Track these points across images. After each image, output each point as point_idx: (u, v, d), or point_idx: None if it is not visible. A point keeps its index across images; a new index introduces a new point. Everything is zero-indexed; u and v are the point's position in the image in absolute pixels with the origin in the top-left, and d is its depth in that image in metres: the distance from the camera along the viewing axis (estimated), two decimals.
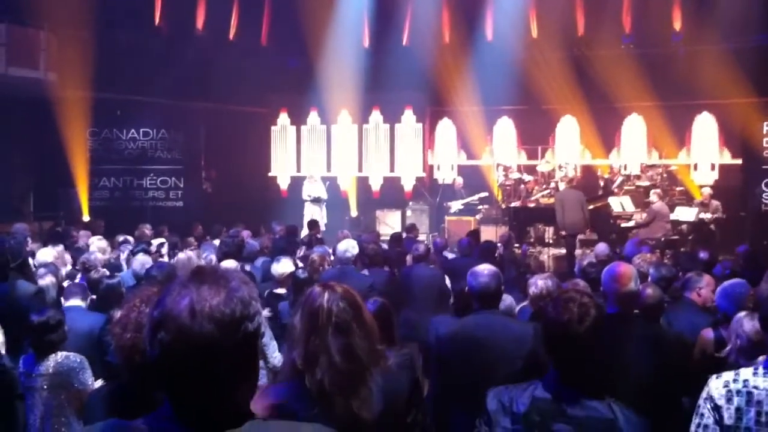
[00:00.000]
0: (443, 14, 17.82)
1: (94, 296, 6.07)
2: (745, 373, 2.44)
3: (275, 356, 5.54)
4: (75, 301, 5.65)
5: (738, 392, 2.39)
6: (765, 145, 15.22)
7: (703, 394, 2.49)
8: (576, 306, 2.68)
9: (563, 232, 13.22)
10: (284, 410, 2.58)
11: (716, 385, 2.46)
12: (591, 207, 14.00)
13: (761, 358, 3.70)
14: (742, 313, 4.15)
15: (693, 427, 2.50)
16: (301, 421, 2.20)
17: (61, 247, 8.54)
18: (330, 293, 2.65)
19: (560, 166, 16.50)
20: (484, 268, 4.34)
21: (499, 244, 10.41)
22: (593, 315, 2.67)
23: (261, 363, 5.57)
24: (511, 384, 2.81)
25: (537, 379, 2.77)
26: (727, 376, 2.46)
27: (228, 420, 1.57)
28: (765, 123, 15.20)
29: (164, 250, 9.12)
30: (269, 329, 5.68)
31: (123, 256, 8.97)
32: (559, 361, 2.71)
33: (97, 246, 8.98)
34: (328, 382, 2.52)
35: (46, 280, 6.27)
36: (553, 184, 15.82)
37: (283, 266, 6.86)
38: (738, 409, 2.37)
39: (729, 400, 2.40)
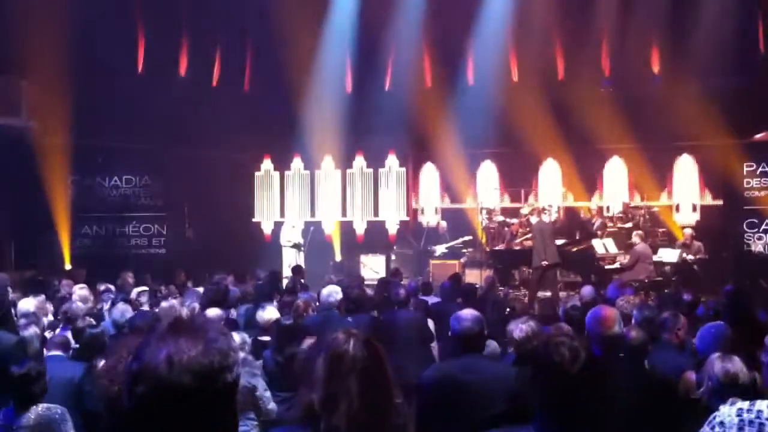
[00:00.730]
0: (424, 59, 18.02)
1: (77, 345, 6.01)
2: (760, 404, 2.43)
3: (270, 407, 5.52)
4: (56, 352, 5.60)
5: (750, 422, 2.39)
6: (746, 186, 15.35)
7: (713, 419, 2.47)
8: (567, 349, 2.69)
9: (545, 263, 13.34)
10: None
11: (729, 412, 2.45)
12: (575, 249, 14.08)
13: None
14: (715, 355, 4.18)
15: None
16: None
17: (42, 297, 8.47)
18: (355, 341, 2.64)
19: (543, 209, 16.57)
20: (467, 312, 4.39)
21: (478, 286, 10.43)
22: (583, 357, 2.69)
23: (252, 415, 5.53)
24: (498, 427, 2.82)
25: (527, 422, 2.76)
26: (741, 404, 2.46)
27: None
28: (745, 164, 15.35)
29: (143, 298, 9.05)
30: (262, 380, 5.64)
31: (106, 306, 8.89)
32: (551, 404, 2.71)
33: (78, 295, 8.90)
34: (345, 428, 2.48)
35: (30, 331, 6.20)
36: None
37: (269, 313, 6.85)
38: None
39: (741, 429, 2.39)
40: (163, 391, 1.52)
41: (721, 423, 2.45)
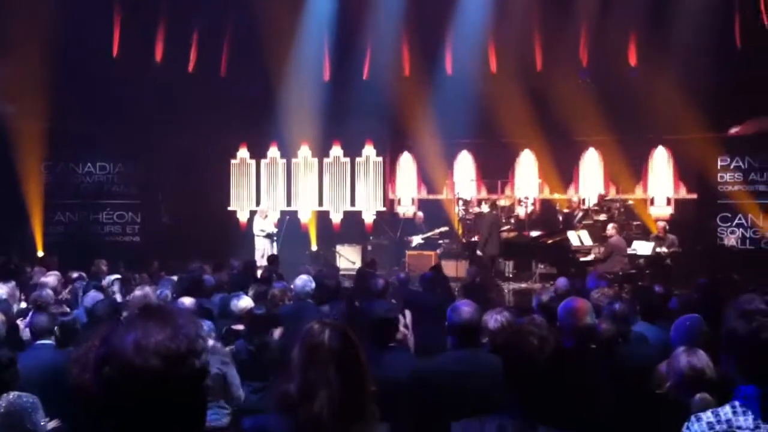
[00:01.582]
0: (403, 48, 17.97)
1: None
2: (725, 413, 2.43)
3: (239, 393, 5.50)
4: (45, 340, 5.47)
5: None
6: (719, 180, 15.53)
7: None
8: (535, 338, 2.74)
9: (493, 254, 13.94)
10: None
11: (701, 428, 2.44)
12: (550, 241, 14.15)
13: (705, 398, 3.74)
14: (680, 349, 4.18)
15: None
16: None
17: (12, 284, 8.38)
18: (330, 331, 2.65)
19: (520, 201, 16.65)
20: (466, 304, 4.37)
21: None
22: (552, 346, 2.74)
23: (223, 402, 5.50)
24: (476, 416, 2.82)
25: (501, 410, 2.79)
26: (707, 417, 2.44)
27: None
28: (719, 158, 15.53)
29: (116, 287, 8.97)
30: (232, 366, 5.62)
31: (79, 294, 8.81)
32: (522, 392, 2.75)
33: (44, 281, 8.80)
34: (326, 416, 2.50)
35: None
36: (513, 218, 16.00)
37: (244, 302, 6.83)
38: None
39: None
40: (129, 374, 1.52)
41: None
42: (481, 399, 3.81)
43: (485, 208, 14.52)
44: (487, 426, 2.74)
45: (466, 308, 4.30)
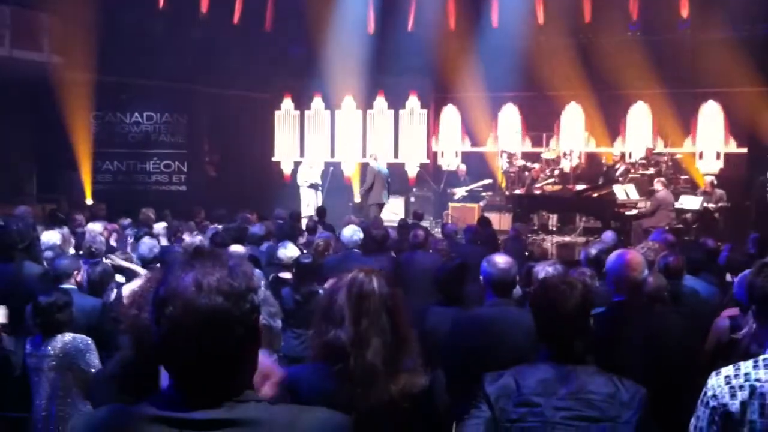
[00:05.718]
0: (448, 0, 17.73)
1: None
2: (746, 366, 2.42)
3: (280, 343, 5.56)
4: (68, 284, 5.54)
5: (741, 387, 2.38)
6: None
7: (704, 395, 2.47)
8: (563, 285, 2.77)
9: (385, 202, 14.93)
10: (310, 388, 2.61)
11: (718, 383, 2.44)
12: (595, 195, 14.01)
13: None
14: None
15: (691, 427, 2.49)
16: (331, 401, 2.18)
17: (66, 230, 8.53)
18: (378, 279, 2.67)
19: (565, 154, 16.47)
20: (501, 257, 4.32)
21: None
22: (580, 291, 2.75)
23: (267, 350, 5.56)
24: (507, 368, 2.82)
25: (534, 360, 2.80)
26: (727, 371, 2.44)
27: (231, 394, 1.59)
28: None
29: (163, 236, 9.02)
30: (278, 319, 5.67)
31: (130, 241, 8.94)
32: (553, 340, 2.76)
33: (95, 229, 8.92)
34: (380, 364, 2.53)
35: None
36: (557, 172, 15.85)
37: (290, 251, 6.88)
38: (743, 403, 2.36)
39: (733, 395, 2.38)
40: (192, 312, 1.53)
41: (714, 396, 2.44)
42: (517, 351, 3.82)
43: (372, 162, 14.86)
44: (523, 375, 2.73)
45: (500, 259, 4.24)
